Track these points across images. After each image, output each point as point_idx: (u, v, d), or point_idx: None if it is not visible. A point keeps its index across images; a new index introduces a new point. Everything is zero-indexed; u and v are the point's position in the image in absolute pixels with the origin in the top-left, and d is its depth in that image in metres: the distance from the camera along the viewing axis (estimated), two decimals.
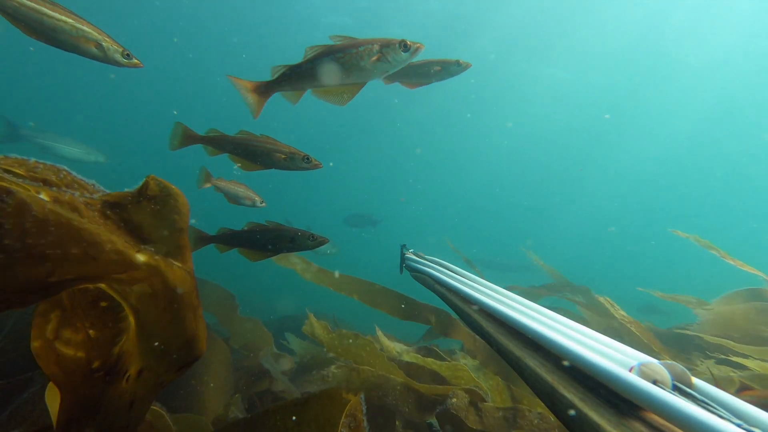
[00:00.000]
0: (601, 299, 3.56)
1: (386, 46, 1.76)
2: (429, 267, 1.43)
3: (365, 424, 1.12)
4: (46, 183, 0.80)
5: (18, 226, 0.61)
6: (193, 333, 0.81)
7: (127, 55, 1.81)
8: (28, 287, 0.64)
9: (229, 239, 2.00)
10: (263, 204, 2.77)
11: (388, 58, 1.78)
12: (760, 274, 3.19)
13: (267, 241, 1.89)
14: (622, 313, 3.31)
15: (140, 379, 0.79)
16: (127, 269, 0.72)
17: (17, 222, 0.61)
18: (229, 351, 1.96)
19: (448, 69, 2.35)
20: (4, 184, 0.63)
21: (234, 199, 2.68)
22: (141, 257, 0.74)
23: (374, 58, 1.76)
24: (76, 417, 0.73)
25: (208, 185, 2.64)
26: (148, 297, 0.77)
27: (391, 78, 2.36)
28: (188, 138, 2.12)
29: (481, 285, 1.16)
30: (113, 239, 0.71)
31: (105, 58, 1.79)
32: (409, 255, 1.70)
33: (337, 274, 2.84)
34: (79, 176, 0.89)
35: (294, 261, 2.90)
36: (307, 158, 2.05)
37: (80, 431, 0.72)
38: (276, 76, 1.84)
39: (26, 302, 0.69)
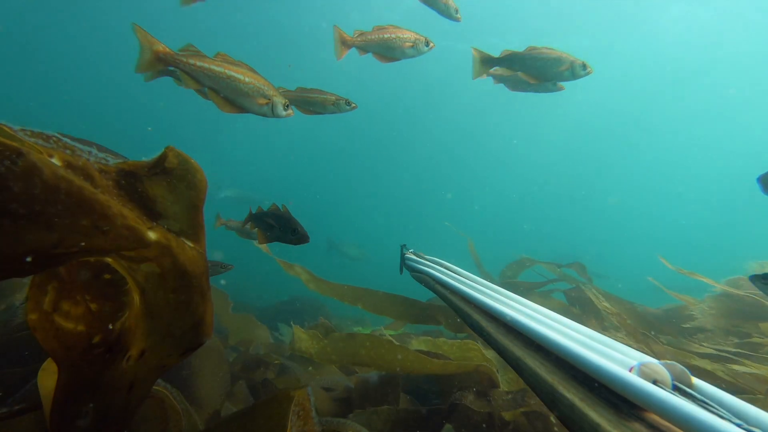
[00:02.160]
0: (587, 292, 3.56)
1: (418, 39, 2.48)
2: (429, 267, 1.43)
3: (314, 414, 1.12)
4: None
5: (26, 191, 0.57)
6: (201, 317, 0.77)
7: (286, 106, 2.11)
8: (32, 256, 0.60)
9: (253, 217, 2.04)
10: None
11: (417, 46, 2.48)
12: (727, 288, 3.24)
13: (275, 224, 1.90)
14: (606, 304, 3.33)
15: (141, 360, 0.75)
16: (137, 246, 0.67)
17: (26, 186, 0.57)
18: (221, 344, 1.92)
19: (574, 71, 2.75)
20: (15, 144, 0.58)
21: (244, 234, 3.37)
22: (152, 235, 0.69)
23: (408, 44, 2.46)
24: (74, 396, 0.69)
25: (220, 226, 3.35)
26: (157, 277, 0.72)
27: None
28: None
29: (481, 285, 1.16)
30: (125, 213, 0.66)
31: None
32: (409, 255, 1.70)
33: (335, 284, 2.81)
34: (73, 142, 0.82)
35: (298, 270, 2.88)
36: (348, 102, 2.48)
37: (77, 410, 0.68)
38: (356, 36, 2.43)
39: (27, 272, 0.65)
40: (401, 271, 1.81)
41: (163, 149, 0.82)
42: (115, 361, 0.76)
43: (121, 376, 0.74)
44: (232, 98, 1.97)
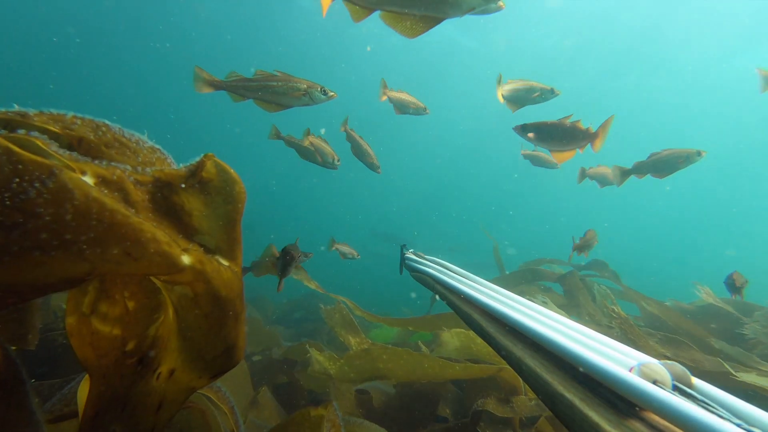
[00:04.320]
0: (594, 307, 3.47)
1: (419, 105, 3.34)
2: (429, 267, 1.40)
3: (342, 429, 1.18)
4: (82, 142, 0.70)
5: (57, 218, 0.52)
6: (233, 341, 0.73)
7: (323, 91, 2.41)
8: (61, 283, 0.56)
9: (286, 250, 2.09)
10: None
11: (417, 108, 3.26)
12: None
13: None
14: (617, 309, 3.23)
15: (171, 379, 0.73)
16: (169, 272, 0.63)
17: (57, 213, 0.52)
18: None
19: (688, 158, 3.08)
20: (46, 161, 0.53)
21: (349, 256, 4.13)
22: (186, 259, 0.64)
23: (413, 106, 3.37)
24: (103, 410, 0.69)
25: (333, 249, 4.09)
26: (189, 300, 0.68)
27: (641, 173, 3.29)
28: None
29: (481, 285, 1.14)
30: (158, 237, 0.61)
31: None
32: (409, 255, 1.65)
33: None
34: (121, 132, 0.78)
35: (342, 299, 2.86)
36: (376, 167, 3.36)
37: (106, 426, 0.68)
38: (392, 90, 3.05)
39: (61, 290, 0.62)
40: (401, 271, 1.77)
41: (201, 156, 0.76)
42: (145, 375, 0.74)
43: (150, 394, 0.72)
44: (274, 100, 2.38)
